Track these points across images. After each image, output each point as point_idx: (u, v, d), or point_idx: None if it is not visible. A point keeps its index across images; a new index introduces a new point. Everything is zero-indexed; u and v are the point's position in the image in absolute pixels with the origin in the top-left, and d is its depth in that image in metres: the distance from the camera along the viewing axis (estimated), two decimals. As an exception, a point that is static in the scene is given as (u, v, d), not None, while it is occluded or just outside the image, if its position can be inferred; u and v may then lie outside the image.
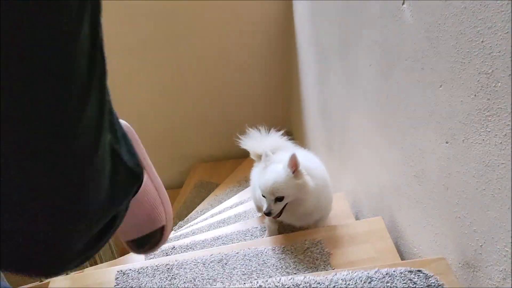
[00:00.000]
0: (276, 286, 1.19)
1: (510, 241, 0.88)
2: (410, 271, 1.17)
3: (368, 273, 1.17)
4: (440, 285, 1.12)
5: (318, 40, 2.22)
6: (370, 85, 1.50)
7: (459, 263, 1.11)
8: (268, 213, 1.36)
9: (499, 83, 0.83)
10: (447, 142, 1.06)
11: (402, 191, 1.36)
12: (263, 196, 1.37)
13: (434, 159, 1.13)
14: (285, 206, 1.37)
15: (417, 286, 1.13)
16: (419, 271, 1.17)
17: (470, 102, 0.93)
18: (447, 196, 1.10)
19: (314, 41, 2.34)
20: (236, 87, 3.42)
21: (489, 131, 0.89)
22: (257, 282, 1.21)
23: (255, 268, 1.41)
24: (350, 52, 1.66)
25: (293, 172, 1.32)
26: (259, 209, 1.73)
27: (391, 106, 1.35)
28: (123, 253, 2.74)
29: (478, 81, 0.89)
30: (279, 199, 1.34)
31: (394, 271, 1.18)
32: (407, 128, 1.26)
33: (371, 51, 1.43)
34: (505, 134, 0.84)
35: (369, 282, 1.15)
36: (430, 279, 1.14)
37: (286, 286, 1.18)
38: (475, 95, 0.91)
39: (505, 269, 0.91)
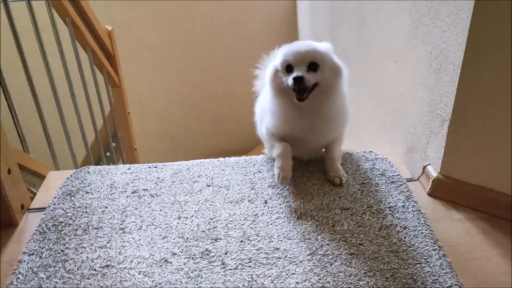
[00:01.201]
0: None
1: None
2: (364, 151, 1.59)
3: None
4: (384, 158, 1.53)
5: (317, 35, 2.69)
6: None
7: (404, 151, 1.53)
8: (299, 81, 1.18)
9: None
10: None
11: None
12: (287, 70, 1.24)
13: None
14: (312, 89, 1.23)
15: (368, 158, 1.54)
16: (370, 151, 1.58)
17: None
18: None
19: (314, 35, 2.82)
20: (243, 85, 3.86)
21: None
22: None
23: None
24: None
25: None
26: (273, 139, 1.40)
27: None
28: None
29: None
30: (312, 66, 1.21)
31: (352, 152, 1.59)
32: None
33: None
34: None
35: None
36: (378, 155, 1.56)
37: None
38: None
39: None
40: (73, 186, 1.49)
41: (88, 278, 1.15)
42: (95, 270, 1.17)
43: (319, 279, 1.11)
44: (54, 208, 1.40)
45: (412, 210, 1.31)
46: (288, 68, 1.23)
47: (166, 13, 3.43)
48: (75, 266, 1.19)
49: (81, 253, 1.23)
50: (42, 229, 1.32)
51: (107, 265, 1.19)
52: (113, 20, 3.01)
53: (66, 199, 1.43)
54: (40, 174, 1.61)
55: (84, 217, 1.36)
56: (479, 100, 1.21)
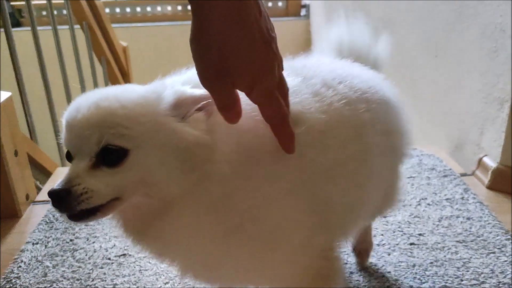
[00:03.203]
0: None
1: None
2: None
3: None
4: (431, 154, 1.39)
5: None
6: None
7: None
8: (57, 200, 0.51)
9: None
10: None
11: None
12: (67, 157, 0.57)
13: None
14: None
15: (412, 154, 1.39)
16: (414, 148, 1.44)
17: None
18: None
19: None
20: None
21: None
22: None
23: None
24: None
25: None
26: None
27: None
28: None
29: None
30: (111, 155, 0.52)
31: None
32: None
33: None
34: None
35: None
36: (423, 151, 1.41)
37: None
38: None
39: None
40: (85, 180, 1.34)
41: (102, 267, 0.97)
42: (109, 259, 1.00)
43: (377, 269, 0.93)
44: (63, 199, 1.23)
45: (473, 202, 1.14)
46: (69, 156, 0.55)
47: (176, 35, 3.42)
48: (86, 255, 1.01)
49: (93, 242, 1.06)
50: (49, 219, 1.15)
51: (124, 254, 1.01)
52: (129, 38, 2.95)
53: (77, 192, 1.27)
54: (48, 171, 1.45)
55: (97, 208, 1.19)
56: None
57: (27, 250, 1.03)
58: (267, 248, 0.56)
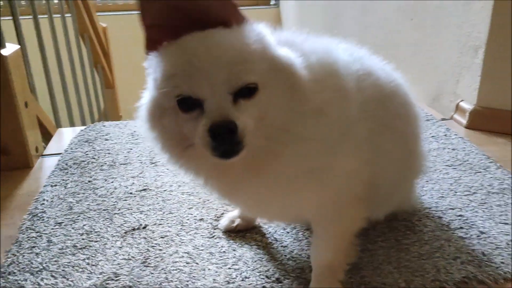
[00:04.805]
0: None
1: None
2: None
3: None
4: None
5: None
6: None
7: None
8: (225, 134, 0.53)
9: None
10: None
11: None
12: (184, 105, 0.57)
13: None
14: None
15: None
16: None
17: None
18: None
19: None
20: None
21: None
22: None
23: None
24: None
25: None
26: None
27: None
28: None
29: None
30: (245, 91, 0.56)
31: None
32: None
33: None
34: None
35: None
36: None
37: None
38: None
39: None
40: (89, 135, 1.37)
41: (125, 200, 1.02)
42: (131, 193, 1.05)
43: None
44: (72, 151, 1.27)
45: (455, 137, 1.27)
46: (188, 102, 0.56)
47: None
48: (107, 192, 1.06)
49: (112, 182, 1.11)
50: (62, 167, 1.19)
51: (144, 189, 1.07)
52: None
53: (84, 145, 1.31)
54: (48, 132, 1.48)
55: (108, 156, 1.24)
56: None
57: (47, 191, 1.07)
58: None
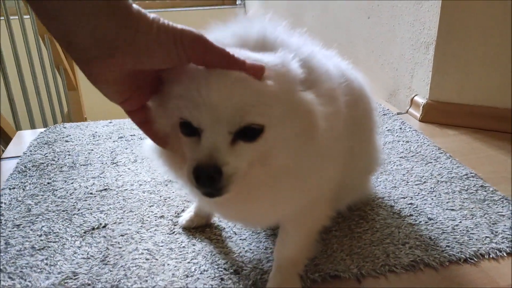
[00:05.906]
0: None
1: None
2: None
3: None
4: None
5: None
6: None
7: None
8: (206, 180, 0.51)
9: None
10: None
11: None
12: (186, 130, 0.55)
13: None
14: None
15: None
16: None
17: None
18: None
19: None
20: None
21: None
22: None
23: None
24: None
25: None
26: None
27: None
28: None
29: None
30: (248, 132, 0.53)
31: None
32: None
33: None
34: None
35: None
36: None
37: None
38: None
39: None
40: (49, 138, 1.36)
41: (85, 200, 1.02)
42: (91, 194, 1.05)
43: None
44: (31, 154, 1.26)
45: (410, 130, 1.32)
46: (188, 127, 0.54)
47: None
48: (67, 193, 1.06)
49: (72, 183, 1.10)
50: (21, 169, 1.17)
51: (105, 189, 1.07)
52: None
53: (44, 147, 1.30)
54: (7, 135, 1.45)
55: (68, 158, 1.23)
56: (463, 18, 1.28)
57: (5, 194, 1.05)
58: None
